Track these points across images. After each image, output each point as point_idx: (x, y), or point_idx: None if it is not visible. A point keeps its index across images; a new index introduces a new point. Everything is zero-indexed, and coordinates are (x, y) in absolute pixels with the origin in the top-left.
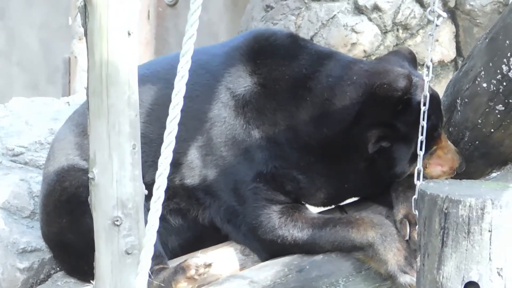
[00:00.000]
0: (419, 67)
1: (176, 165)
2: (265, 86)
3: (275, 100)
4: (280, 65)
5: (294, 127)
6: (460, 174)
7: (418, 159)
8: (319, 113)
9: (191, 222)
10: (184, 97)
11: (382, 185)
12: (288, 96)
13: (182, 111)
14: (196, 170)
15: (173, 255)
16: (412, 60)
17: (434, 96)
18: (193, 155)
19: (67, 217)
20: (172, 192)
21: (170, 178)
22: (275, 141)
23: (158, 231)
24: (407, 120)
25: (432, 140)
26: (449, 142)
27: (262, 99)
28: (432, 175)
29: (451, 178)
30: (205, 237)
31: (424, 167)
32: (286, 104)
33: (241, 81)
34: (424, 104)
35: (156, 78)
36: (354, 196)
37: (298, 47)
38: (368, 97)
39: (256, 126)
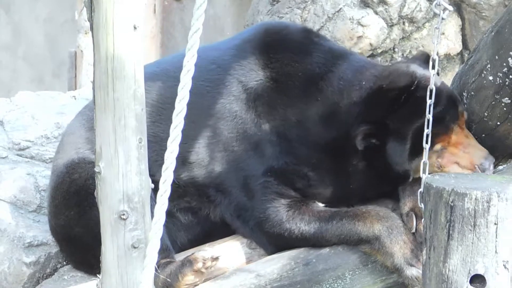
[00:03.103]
0: (443, 80)
1: (187, 163)
2: (277, 81)
3: (286, 96)
4: (293, 61)
5: (304, 125)
6: None
7: (424, 152)
8: (327, 114)
9: (201, 219)
10: (195, 94)
11: (389, 185)
12: (300, 93)
13: (193, 108)
14: (207, 168)
15: (182, 250)
16: (426, 61)
17: (441, 90)
18: (204, 153)
19: (75, 209)
20: (182, 190)
21: (180, 177)
22: (285, 136)
23: (166, 227)
24: (400, 117)
25: (434, 136)
26: (469, 138)
27: (274, 93)
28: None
29: None
30: (214, 232)
31: (438, 166)
32: (297, 101)
33: (253, 74)
34: (430, 98)
35: (166, 76)
36: (364, 197)
37: (311, 43)
38: (368, 98)
39: (267, 120)
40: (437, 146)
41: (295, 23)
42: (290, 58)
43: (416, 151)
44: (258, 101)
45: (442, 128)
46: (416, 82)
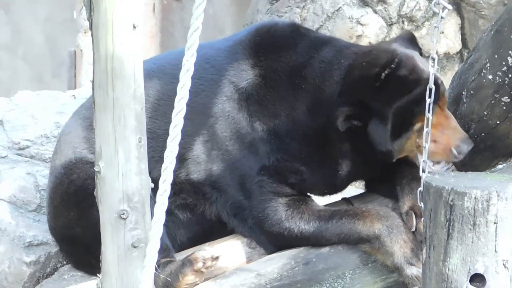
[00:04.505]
0: (425, 59)
1: (182, 160)
2: (266, 77)
3: (275, 91)
4: (280, 56)
5: (294, 117)
6: (465, 166)
7: (424, 151)
8: (312, 100)
9: (198, 216)
10: (190, 91)
11: (377, 166)
12: (287, 86)
13: (187, 106)
14: (202, 165)
15: (182, 248)
16: (410, 39)
17: (422, 70)
18: (199, 150)
19: (75, 210)
20: (178, 187)
21: (176, 174)
22: (275, 133)
23: (166, 225)
24: (382, 97)
25: (412, 116)
26: (450, 120)
27: (263, 90)
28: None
29: (457, 171)
30: (213, 230)
31: (417, 146)
32: (285, 94)
33: (244, 74)
34: (430, 96)
35: (163, 73)
36: (355, 180)
37: (298, 36)
38: (348, 76)
39: (258, 118)
40: (417, 126)
41: (285, 20)
42: (277, 53)
43: (398, 131)
44: (249, 100)
45: (423, 108)
46: (396, 59)
